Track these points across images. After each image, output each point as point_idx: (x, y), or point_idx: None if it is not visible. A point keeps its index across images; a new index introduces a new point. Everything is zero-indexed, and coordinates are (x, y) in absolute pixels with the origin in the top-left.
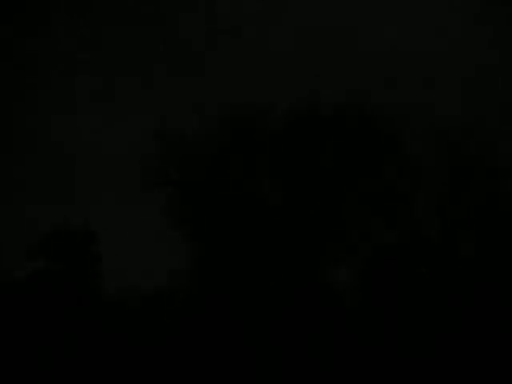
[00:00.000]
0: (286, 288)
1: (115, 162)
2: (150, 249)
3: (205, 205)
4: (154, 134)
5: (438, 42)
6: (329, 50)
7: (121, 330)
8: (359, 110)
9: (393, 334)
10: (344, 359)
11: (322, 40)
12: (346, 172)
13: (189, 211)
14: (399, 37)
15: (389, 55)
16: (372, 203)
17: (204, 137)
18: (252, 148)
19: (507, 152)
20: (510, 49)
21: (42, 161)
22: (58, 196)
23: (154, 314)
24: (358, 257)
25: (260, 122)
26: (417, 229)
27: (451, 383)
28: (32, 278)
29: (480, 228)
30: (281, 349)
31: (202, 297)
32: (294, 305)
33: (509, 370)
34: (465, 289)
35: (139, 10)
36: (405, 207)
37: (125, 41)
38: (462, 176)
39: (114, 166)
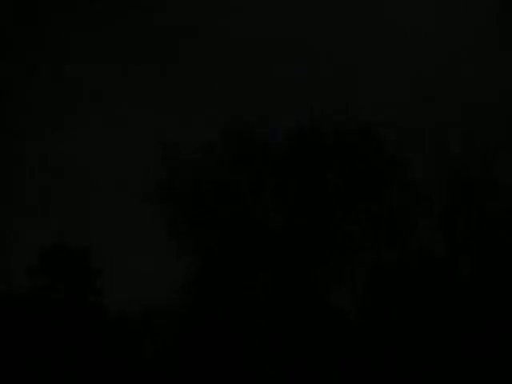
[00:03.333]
0: (286, 304)
1: (115, 176)
2: (151, 263)
3: (206, 219)
4: (158, 143)
5: (436, 49)
6: (329, 64)
7: (122, 346)
8: (360, 130)
9: (395, 353)
10: (346, 378)
11: (323, 55)
12: (347, 190)
13: (190, 225)
14: (399, 46)
15: (387, 67)
16: (374, 221)
17: (207, 151)
18: (254, 163)
19: (508, 167)
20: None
21: (39, 175)
22: (57, 211)
23: (154, 329)
24: (360, 275)
25: (263, 137)
26: (419, 247)
27: None
28: (31, 295)
29: (483, 245)
30: (281, 366)
31: (203, 312)
32: (294, 321)
33: None
34: (468, 306)
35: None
36: (407, 225)
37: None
38: (463, 193)
39: (114, 180)
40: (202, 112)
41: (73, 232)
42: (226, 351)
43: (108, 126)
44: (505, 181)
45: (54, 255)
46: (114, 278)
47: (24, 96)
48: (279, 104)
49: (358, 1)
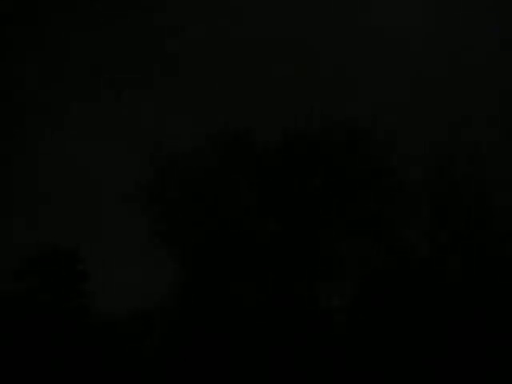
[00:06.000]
0: (274, 308)
1: (115, 176)
2: (139, 270)
3: (193, 225)
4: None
5: (431, 49)
6: (329, 64)
7: (109, 351)
8: (348, 135)
9: (386, 359)
10: (334, 379)
11: (323, 55)
12: (334, 197)
13: (177, 231)
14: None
15: (375, 73)
16: (361, 228)
17: (196, 156)
18: (241, 170)
19: (496, 174)
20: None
21: (29, 181)
22: (44, 217)
23: (142, 335)
24: (349, 283)
25: (250, 144)
26: (406, 254)
27: None
28: (18, 297)
29: (469, 252)
30: (272, 375)
31: (190, 316)
32: (285, 330)
33: None
34: (455, 312)
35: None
36: (394, 232)
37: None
38: (450, 199)
39: (114, 181)
40: (202, 112)
41: (70, 233)
42: (213, 355)
43: (108, 126)
44: (493, 180)
45: (42, 257)
46: (107, 281)
47: (24, 96)
48: (279, 104)
49: (358, 1)
